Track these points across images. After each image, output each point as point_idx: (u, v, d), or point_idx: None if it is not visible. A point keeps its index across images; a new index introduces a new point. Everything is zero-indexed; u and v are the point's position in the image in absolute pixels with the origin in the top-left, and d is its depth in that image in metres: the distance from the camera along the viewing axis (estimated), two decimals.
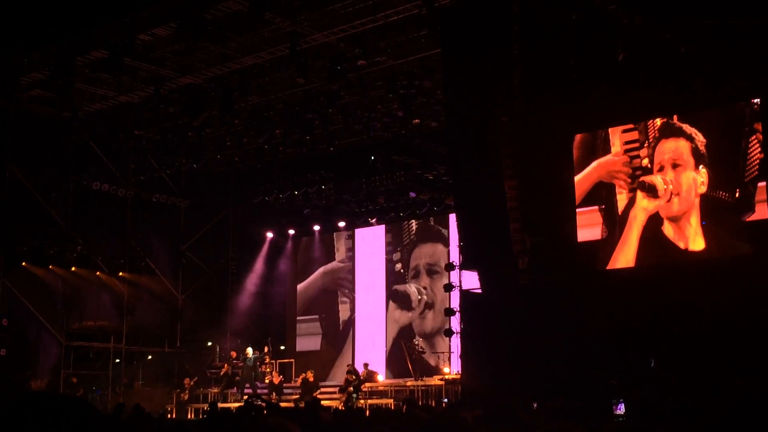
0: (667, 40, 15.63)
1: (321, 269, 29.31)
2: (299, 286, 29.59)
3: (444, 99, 18.62)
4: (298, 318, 29.39)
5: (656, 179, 15.87)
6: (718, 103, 15.86)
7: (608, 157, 16.82)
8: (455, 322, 19.85)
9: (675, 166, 15.79)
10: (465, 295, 18.71)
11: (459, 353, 18.33)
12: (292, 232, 29.64)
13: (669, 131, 16.10)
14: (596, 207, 16.82)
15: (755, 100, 15.28)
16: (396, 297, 27.12)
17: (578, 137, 17.33)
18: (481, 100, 16.22)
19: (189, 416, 24.48)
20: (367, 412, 17.63)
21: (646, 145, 16.26)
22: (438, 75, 18.82)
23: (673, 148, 15.89)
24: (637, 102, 16.27)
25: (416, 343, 24.83)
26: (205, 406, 23.37)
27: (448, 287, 20.98)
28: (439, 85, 19.30)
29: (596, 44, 15.74)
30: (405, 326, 26.67)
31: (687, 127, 15.85)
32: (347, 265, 28.69)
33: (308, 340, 28.98)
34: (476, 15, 15.97)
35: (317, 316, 29.01)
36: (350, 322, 28.17)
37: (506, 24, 15.82)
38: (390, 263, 27.63)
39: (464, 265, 19.45)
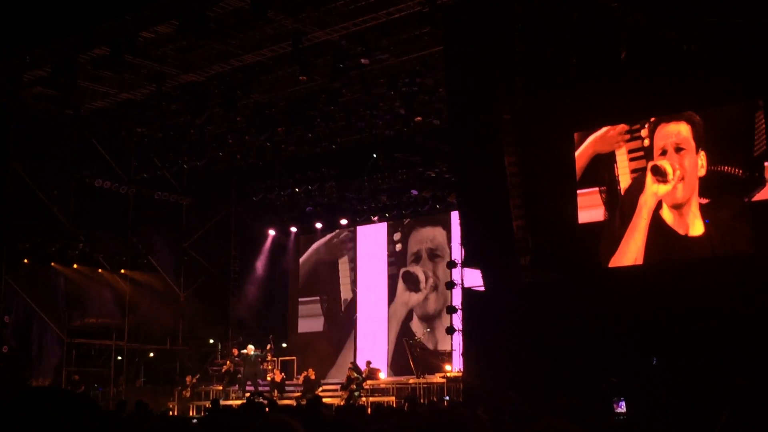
0: (669, 39, 15.61)
1: (316, 244, 29.44)
2: (301, 260, 29.73)
3: (446, 97, 18.62)
4: (300, 300, 29.52)
5: (665, 163, 15.82)
6: (720, 102, 15.83)
7: (605, 129, 16.79)
8: (457, 320, 19.85)
9: (678, 149, 15.74)
10: (467, 292, 18.71)
11: (461, 351, 18.33)
12: (294, 229, 29.65)
13: (669, 115, 16.08)
14: (596, 189, 16.78)
15: (759, 101, 15.26)
16: (406, 278, 27.19)
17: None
18: (484, 98, 16.22)
19: (191, 413, 24.49)
20: (369, 409, 17.63)
21: (646, 126, 16.22)
22: (440, 73, 18.82)
23: (675, 131, 15.84)
24: (639, 101, 16.25)
25: (418, 339, 24.84)
26: (207, 404, 23.39)
27: (450, 285, 20.98)
28: (441, 83, 19.30)
29: (598, 42, 15.73)
30: (413, 308, 26.77)
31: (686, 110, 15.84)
32: (349, 231, 28.74)
33: (311, 325, 29.07)
34: (478, 13, 15.98)
35: (318, 297, 29.14)
36: (352, 320, 28.20)
37: (508, 22, 15.81)
38: (392, 244, 27.72)
39: (467, 263, 19.44)
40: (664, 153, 15.87)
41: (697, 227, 15.48)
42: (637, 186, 16.21)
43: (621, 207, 16.38)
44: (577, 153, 16.99)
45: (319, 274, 29.47)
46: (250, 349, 24.88)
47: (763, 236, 14.76)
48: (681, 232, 15.65)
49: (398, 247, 27.63)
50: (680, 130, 15.80)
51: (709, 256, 15.41)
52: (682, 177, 15.66)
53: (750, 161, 14.95)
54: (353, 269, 28.65)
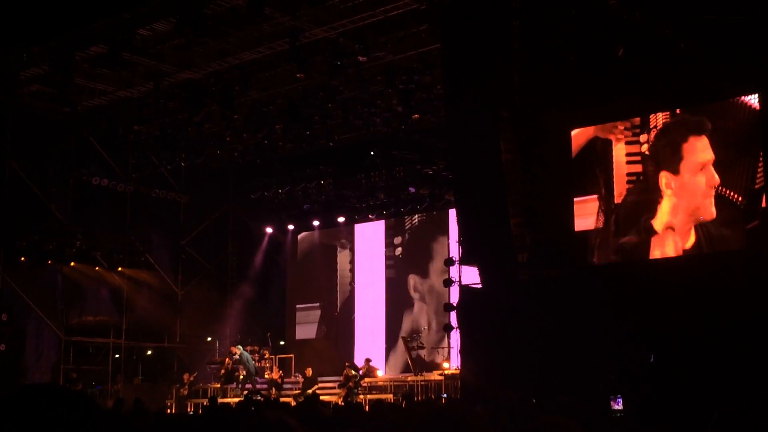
0: (667, 36, 15.63)
1: (312, 238, 29.54)
2: (298, 257, 29.82)
3: (444, 94, 18.62)
4: (298, 298, 29.52)
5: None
6: (717, 99, 15.83)
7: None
8: (454, 318, 19.85)
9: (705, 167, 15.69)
10: (465, 290, 18.72)
11: (459, 348, 18.33)
12: (291, 227, 29.65)
13: (682, 125, 15.99)
14: (595, 196, 16.79)
15: (755, 96, 15.25)
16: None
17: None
18: (481, 95, 16.22)
19: (188, 411, 24.49)
20: (367, 407, 17.64)
21: (646, 132, 16.18)
22: (438, 70, 18.81)
23: (703, 148, 15.72)
24: (636, 97, 16.26)
25: (416, 337, 24.86)
26: (205, 402, 23.38)
27: (448, 282, 21.01)
28: (438, 81, 19.29)
29: (596, 39, 15.73)
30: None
31: (699, 120, 15.76)
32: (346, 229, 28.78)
33: (308, 330, 29.09)
34: (476, 10, 15.97)
35: (318, 304, 29.13)
36: (350, 318, 28.21)
37: (506, 19, 15.81)
38: (390, 247, 27.73)
39: (464, 260, 19.46)
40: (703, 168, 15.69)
41: (690, 238, 15.57)
42: (636, 195, 16.21)
43: (616, 214, 16.43)
44: (575, 132, 17.02)
45: (316, 273, 29.45)
46: (239, 349, 24.81)
47: (755, 234, 14.80)
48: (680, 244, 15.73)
49: (398, 251, 27.57)
50: (706, 147, 15.59)
51: (697, 253, 15.45)
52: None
53: (750, 191, 14.94)
54: (351, 270, 28.65)
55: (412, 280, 27.08)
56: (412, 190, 25.46)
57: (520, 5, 15.66)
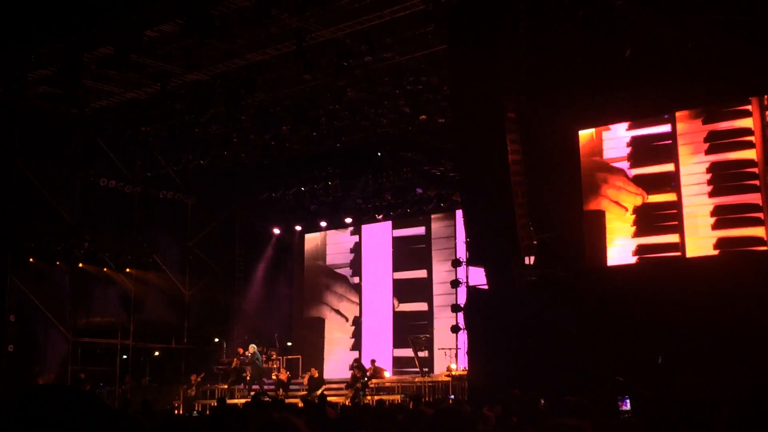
0: (674, 36, 15.59)
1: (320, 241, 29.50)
2: (305, 260, 29.79)
3: (450, 95, 18.61)
4: (305, 298, 29.53)
5: None
6: (724, 101, 15.79)
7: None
8: (462, 318, 19.83)
9: None
10: (472, 291, 18.71)
11: (466, 349, 18.32)
12: (298, 228, 29.67)
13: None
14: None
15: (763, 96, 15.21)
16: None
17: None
18: (488, 96, 16.21)
19: (196, 412, 24.50)
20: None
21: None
22: (444, 71, 18.80)
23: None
24: (644, 98, 16.24)
25: (423, 338, 24.83)
26: (213, 402, 23.42)
27: (455, 283, 21.00)
28: (445, 81, 19.28)
29: (603, 40, 15.71)
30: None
31: None
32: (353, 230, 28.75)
33: (316, 323, 29.11)
34: (482, 11, 15.96)
35: (322, 296, 29.13)
36: (358, 321, 28.19)
37: (512, 20, 15.79)
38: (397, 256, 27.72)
39: (471, 261, 19.45)
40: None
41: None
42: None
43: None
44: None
45: (323, 273, 29.49)
46: (252, 348, 24.89)
47: None
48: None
49: (405, 252, 27.56)
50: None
51: (706, 255, 15.43)
52: None
53: None
54: (357, 272, 28.66)
55: (420, 281, 27.06)
56: (419, 191, 25.46)
57: (527, 6, 15.64)
